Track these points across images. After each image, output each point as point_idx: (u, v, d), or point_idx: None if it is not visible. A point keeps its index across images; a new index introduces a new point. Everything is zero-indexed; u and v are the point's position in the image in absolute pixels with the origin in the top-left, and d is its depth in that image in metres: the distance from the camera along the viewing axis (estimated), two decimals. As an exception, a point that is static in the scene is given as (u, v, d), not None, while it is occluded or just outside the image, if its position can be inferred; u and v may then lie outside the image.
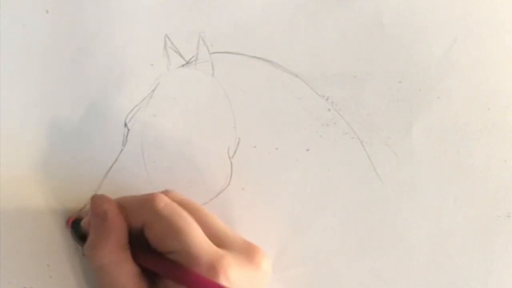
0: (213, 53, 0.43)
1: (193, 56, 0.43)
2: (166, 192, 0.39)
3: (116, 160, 0.42)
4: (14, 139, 0.41)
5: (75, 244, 0.41)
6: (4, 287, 0.40)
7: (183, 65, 0.43)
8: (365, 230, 0.43)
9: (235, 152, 0.43)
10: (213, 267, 0.35)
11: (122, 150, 0.42)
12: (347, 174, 0.44)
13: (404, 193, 0.44)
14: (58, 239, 0.41)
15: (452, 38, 0.45)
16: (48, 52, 0.42)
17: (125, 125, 0.42)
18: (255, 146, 0.43)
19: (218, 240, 0.37)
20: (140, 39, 0.43)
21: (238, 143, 0.43)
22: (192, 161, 0.43)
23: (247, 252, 0.38)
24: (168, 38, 0.43)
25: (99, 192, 0.41)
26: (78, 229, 0.40)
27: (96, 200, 0.38)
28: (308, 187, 0.43)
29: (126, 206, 0.38)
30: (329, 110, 0.44)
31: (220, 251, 0.37)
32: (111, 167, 0.42)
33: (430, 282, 0.43)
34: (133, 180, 0.42)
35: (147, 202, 0.37)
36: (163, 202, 0.37)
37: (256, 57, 0.44)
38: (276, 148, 0.43)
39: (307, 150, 0.44)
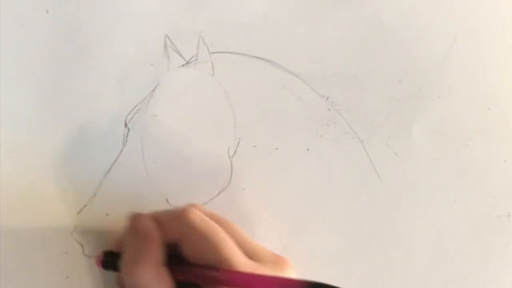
0: (213, 53, 0.43)
1: (193, 56, 0.43)
2: (194, 206, 0.39)
3: (116, 160, 0.42)
4: (14, 139, 0.41)
5: (75, 243, 0.41)
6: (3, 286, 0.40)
7: (183, 65, 0.43)
8: (365, 230, 0.43)
9: (235, 152, 0.43)
10: None
11: (122, 150, 0.42)
12: (347, 174, 0.44)
13: (404, 193, 0.44)
14: (60, 239, 0.41)
15: (452, 38, 0.45)
16: (48, 52, 0.42)
17: (125, 125, 0.42)
18: (255, 146, 0.43)
19: (248, 253, 0.38)
20: (140, 39, 0.43)
21: (238, 143, 0.43)
22: (192, 161, 0.43)
23: (277, 264, 0.38)
24: (168, 38, 0.43)
25: (99, 192, 0.41)
26: (109, 262, 0.39)
27: (135, 217, 0.39)
28: (308, 187, 0.43)
29: (161, 220, 0.38)
30: (329, 110, 0.44)
31: (254, 263, 0.37)
32: (111, 167, 0.42)
33: (430, 282, 0.43)
34: (133, 180, 0.42)
35: (181, 216, 0.37)
36: (197, 216, 0.37)
37: (256, 57, 0.44)
38: (276, 148, 0.43)
39: (307, 150, 0.44)
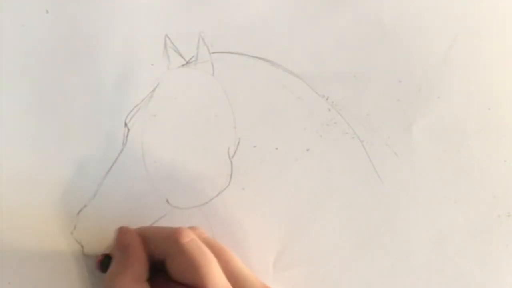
0: (213, 53, 0.43)
1: (193, 56, 0.43)
2: (192, 228, 0.40)
3: (116, 160, 0.42)
4: (14, 139, 0.41)
5: (75, 243, 0.41)
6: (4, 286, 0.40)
7: (183, 65, 0.43)
8: (365, 230, 0.43)
9: (235, 152, 0.43)
10: None
11: (122, 150, 0.42)
12: (347, 174, 0.44)
13: (404, 193, 0.44)
14: (60, 239, 0.41)
15: (452, 38, 0.45)
16: (48, 52, 0.42)
17: (125, 125, 0.42)
18: (255, 146, 0.43)
19: (237, 282, 0.38)
20: (140, 39, 0.43)
21: (238, 143, 0.43)
22: (192, 161, 0.43)
23: None
24: (168, 38, 0.43)
25: (99, 192, 0.41)
26: (106, 267, 0.40)
27: (121, 232, 0.40)
28: (308, 187, 0.43)
29: (150, 237, 0.39)
30: (329, 110, 0.44)
31: None
32: (111, 167, 0.42)
33: (430, 282, 0.43)
34: (133, 180, 0.42)
35: (172, 235, 0.38)
36: (188, 238, 0.38)
37: (256, 57, 0.44)
38: (276, 148, 0.43)
39: (307, 150, 0.44)
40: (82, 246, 0.41)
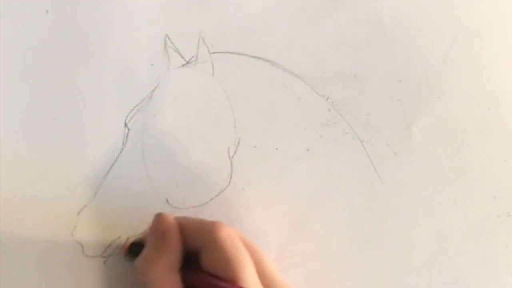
0: (213, 53, 0.43)
1: (193, 56, 0.43)
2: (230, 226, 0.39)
3: (116, 160, 0.42)
4: (14, 140, 0.41)
5: (75, 243, 0.41)
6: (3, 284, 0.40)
7: (183, 65, 0.43)
8: (365, 230, 0.43)
9: (235, 152, 0.43)
10: None
11: (122, 150, 0.42)
12: (347, 174, 0.44)
13: (404, 193, 0.44)
14: (60, 239, 0.41)
15: (452, 38, 0.45)
16: (48, 52, 0.42)
17: (125, 125, 0.42)
18: (255, 146, 0.43)
19: (269, 285, 0.38)
20: (140, 39, 0.43)
21: (238, 143, 0.43)
22: (192, 161, 0.43)
23: None
24: (168, 38, 0.43)
25: (99, 192, 0.41)
26: (134, 251, 0.40)
27: (160, 218, 0.39)
28: (308, 187, 0.43)
29: (187, 227, 0.39)
30: (329, 110, 0.44)
31: None
32: (111, 167, 0.42)
33: (430, 282, 0.43)
34: (133, 180, 0.42)
35: (211, 228, 0.38)
36: (227, 232, 0.38)
37: (256, 57, 0.44)
38: (276, 148, 0.43)
39: (307, 150, 0.44)
40: (82, 246, 0.41)
